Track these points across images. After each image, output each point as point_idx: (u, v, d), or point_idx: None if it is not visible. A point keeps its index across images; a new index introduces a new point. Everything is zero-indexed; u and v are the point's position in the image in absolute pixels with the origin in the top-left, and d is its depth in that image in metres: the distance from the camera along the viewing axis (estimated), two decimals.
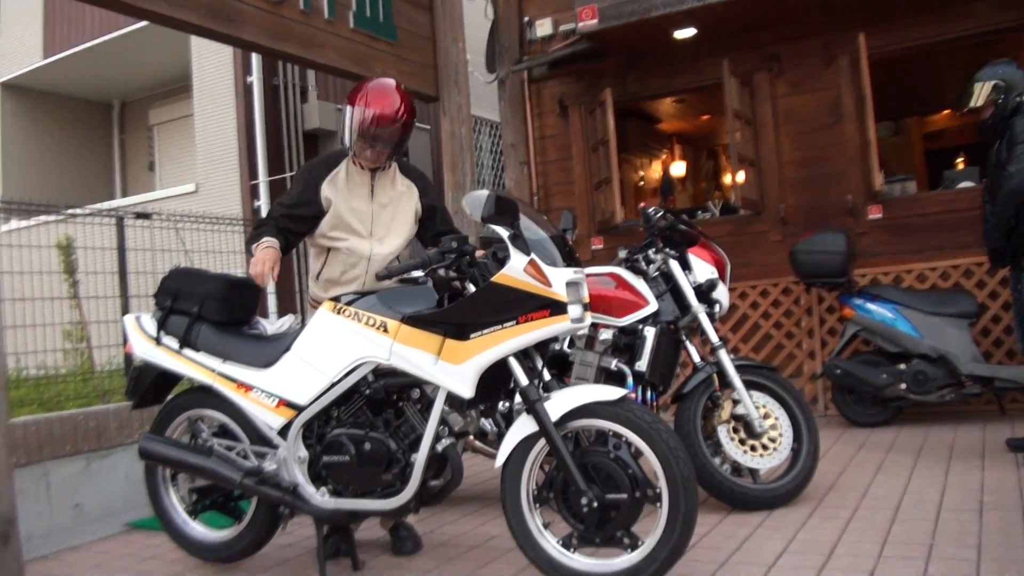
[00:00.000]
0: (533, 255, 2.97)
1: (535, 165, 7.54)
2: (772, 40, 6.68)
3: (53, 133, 10.81)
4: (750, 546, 3.49)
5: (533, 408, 3.01)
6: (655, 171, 11.62)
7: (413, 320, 3.09)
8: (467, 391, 3.03)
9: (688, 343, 4.30)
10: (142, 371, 3.72)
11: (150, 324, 3.66)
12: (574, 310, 2.99)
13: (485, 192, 3.05)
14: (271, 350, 3.43)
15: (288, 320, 3.71)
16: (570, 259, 3.09)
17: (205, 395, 3.59)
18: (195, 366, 3.51)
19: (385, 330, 3.13)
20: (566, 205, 7.39)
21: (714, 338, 4.14)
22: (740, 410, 4.05)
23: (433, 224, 3.80)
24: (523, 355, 3.07)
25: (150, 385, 3.72)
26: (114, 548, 4.24)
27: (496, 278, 2.97)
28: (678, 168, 12.05)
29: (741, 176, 6.66)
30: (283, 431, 3.34)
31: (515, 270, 2.96)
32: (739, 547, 3.48)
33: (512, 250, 2.97)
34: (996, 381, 5.37)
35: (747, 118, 6.69)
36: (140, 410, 3.96)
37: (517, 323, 2.98)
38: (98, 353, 5.47)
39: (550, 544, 3.07)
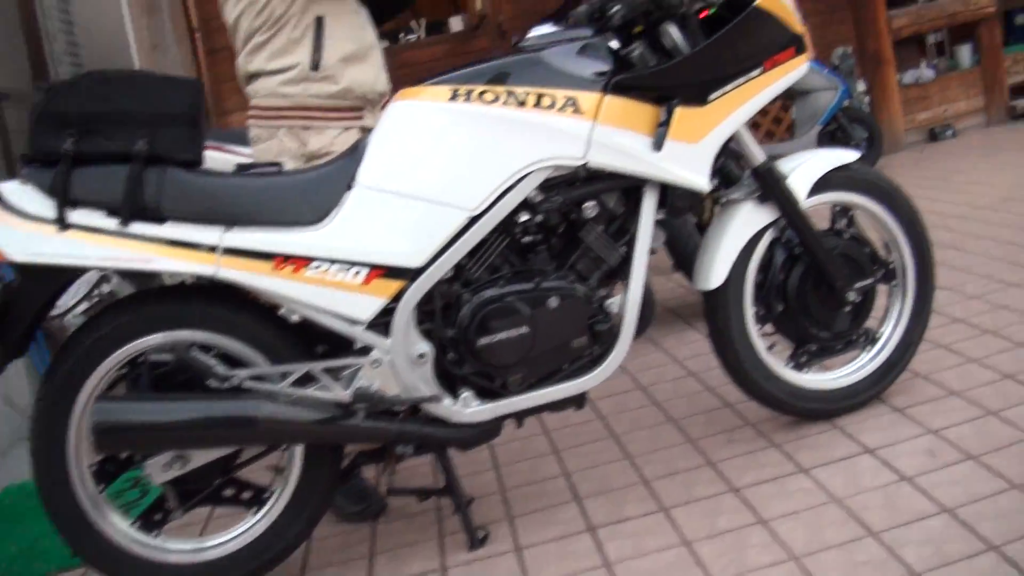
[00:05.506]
0: None
1: None
2: None
3: None
4: None
5: (778, 187, 2.19)
6: None
7: (622, 86, 1.99)
8: (705, 180, 2.09)
9: None
10: (17, 291, 1.96)
11: (27, 195, 1.88)
12: None
13: None
14: (316, 192, 2.00)
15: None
16: None
17: (164, 306, 2.02)
18: (171, 250, 1.91)
19: (576, 109, 1.97)
20: None
21: None
22: None
23: None
24: None
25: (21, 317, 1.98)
26: None
27: (763, 1, 2.02)
28: None
29: None
30: (376, 320, 2.01)
31: None
32: None
33: None
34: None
35: None
36: None
37: (764, 71, 2.10)
38: None
39: (785, 370, 2.34)
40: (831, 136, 5.26)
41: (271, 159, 2.40)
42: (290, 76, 2.38)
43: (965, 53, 6.60)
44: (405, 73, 6.18)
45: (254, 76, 2.45)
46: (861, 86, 5.99)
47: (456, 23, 6.05)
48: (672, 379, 2.91)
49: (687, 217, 3.15)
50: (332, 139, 2.40)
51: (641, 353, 3.17)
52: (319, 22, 2.37)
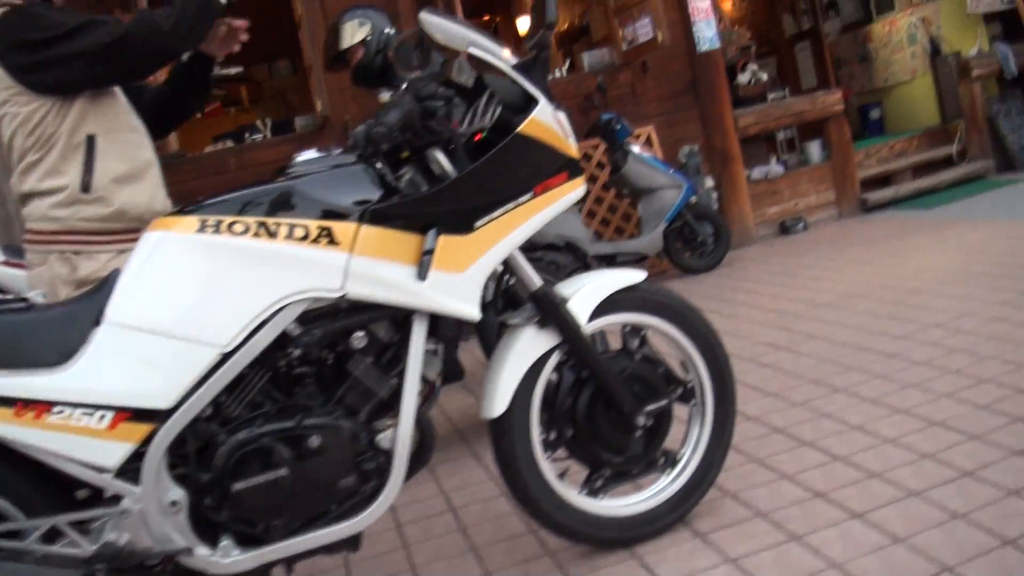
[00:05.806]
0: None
1: None
2: None
3: None
4: None
5: (556, 312, 2.14)
6: None
7: (380, 216, 1.92)
8: (475, 309, 2.02)
9: None
10: None
11: None
12: None
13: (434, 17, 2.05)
14: (62, 330, 1.86)
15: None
16: None
17: None
18: None
19: (331, 241, 1.89)
20: None
21: None
22: None
23: None
24: None
25: None
26: None
27: (525, 127, 2.01)
28: None
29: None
30: (125, 467, 1.86)
31: (546, 114, 2.03)
32: None
33: (528, 85, 2.03)
34: (619, 256, 5.57)
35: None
36: None
37: (534, 196, 2.06)
38: None
39: (578, 498, 2.26)
40: (679, 232, 5.34)
41: (43, 286, 2.27)
42: (60, 199, 2.27)
43: (815, 149, 6.85)
44: (251, 174, 6.16)
45: (27, 197, 2.33)
46: (709, 182, 6.13)
47: (302, 122, 6.02)
48: (484, 499, 2.79)
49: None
50: (104, 263, 2.28)
51: (460, 469, 3.06)
52: (90, 141, 2.27)
